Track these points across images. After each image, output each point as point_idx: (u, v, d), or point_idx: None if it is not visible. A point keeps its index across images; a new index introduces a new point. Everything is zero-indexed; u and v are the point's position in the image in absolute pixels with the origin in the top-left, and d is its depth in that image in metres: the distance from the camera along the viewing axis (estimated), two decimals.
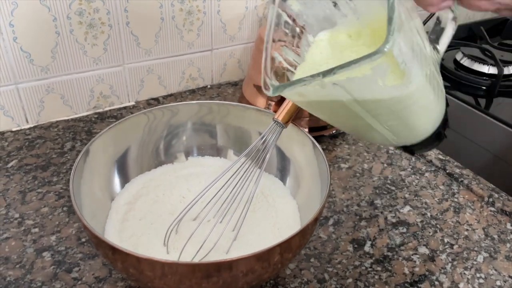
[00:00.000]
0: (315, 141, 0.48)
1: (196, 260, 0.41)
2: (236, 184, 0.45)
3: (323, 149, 0.66)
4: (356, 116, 0.35)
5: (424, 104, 0.35)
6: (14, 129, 0.67)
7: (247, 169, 0.46)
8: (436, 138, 0.41)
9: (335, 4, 0.38)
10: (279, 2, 0.38)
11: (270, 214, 0.48)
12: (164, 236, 0.43)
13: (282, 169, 0.53)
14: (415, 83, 0.32)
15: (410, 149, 0.42)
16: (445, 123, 0.41)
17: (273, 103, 0.66)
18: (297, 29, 0.39)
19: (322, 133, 0.67)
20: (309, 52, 0.39)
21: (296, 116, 0.64)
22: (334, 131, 0.68)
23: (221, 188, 0.45)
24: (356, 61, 0.28)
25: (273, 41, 0.39)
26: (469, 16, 1.15)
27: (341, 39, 0.39)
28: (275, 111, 0.47)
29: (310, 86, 0.31)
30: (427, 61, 0.34)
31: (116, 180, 0.50)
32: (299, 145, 0.51)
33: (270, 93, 0.35)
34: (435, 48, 0.37)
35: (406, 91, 0.32)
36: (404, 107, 0.34)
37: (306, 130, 0.66)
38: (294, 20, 0.39)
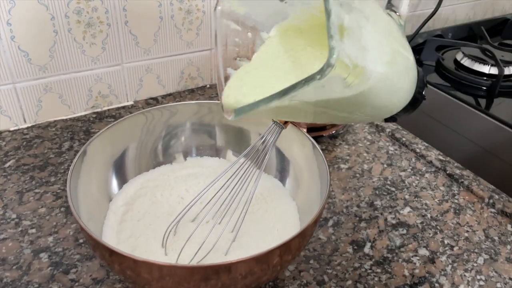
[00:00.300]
0: (314, 142, 0.47)
1: (195, 262, 0.41)
2: (235, 185, 0.44)
3: (322, 149, 0.66)
4: (325, 113, 0.34)
5: (391, 87, 0.34)
6: (11, 129, 0.66)
7: (246, 169, 0.45)
8: (414, 103, 0.40)
9: None
10: (221, 13, 0.36)
11: (269, 216, 0.48)
12: (163, 237, 0.43)
13: (282, 170, 0.53)
14: (375, 76, 0.31)
15: (391, 119, 0.42)
16: (421, 86, 0.40)
17: None
18: (249, 34, 0.38)
19: (321, 133, 0.67)
20: (260, 51, 0.38)
21: None
22: (333, 131, 0.68)
23: (220, 189, 0.44)
24: (301, 83, 0.27)
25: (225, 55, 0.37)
26: (469, 16, 1.15)
27: (291, 34, 0.37)
28: None
29: (270, 105, 0.30)
30: (384, 42, 0.33)
31: (114, 181, 0.49)
32: (299, 146, 0.50)
33: (232, 118, 0.33)
34: (395, 11, 0.36)
35: (367, 85, 0.31)
36: (370, 97, 0.33)
37: (305, 130, 0.66)
38: (243, 24, 0.37)
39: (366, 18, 0.31)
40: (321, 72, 0.26)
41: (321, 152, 0.46)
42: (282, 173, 0.53)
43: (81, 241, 0.49)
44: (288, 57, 0.35)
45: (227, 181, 0.44)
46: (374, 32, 0.32)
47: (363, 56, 0.30)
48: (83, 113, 0.71)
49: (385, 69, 0.33)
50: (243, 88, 0.36)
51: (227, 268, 0.34)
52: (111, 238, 0.44)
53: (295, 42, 0.36)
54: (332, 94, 0.30)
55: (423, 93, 0.40)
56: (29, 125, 0.67)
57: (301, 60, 0.35)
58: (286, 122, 0.45)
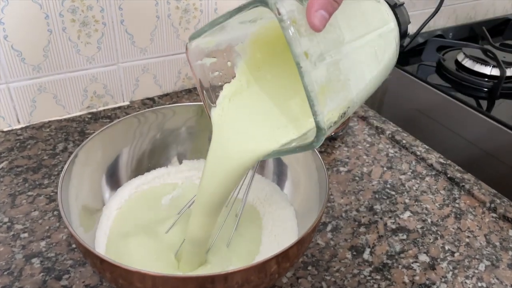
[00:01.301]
0: None
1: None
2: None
3: (321, 151, 0.65)
4: None
5: (380, 78, 0.36)
6: (5, 129, 0.65)
7: None
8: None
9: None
10: (192, 57, 0.36)
11: (267, 221, 0.47)
12: (158, 240, 0.43)
13: (279, 174, 0.52)
14: (362, 96, 0.33)
15: None
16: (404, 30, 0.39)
17: None
18: (228, 63, 0.37)
19: None
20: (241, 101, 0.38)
21: None
22: (332, 133, 0.67)
23: None
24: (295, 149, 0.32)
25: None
26: (470, 16, 1.14)
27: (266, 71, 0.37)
28: None
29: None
30: (364, 51, 0.33)
31: (108, 185, 0.48)
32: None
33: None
34: None
35: (357, 105, 0.34)
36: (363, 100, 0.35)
37: None
38: (217, 52, 0.37)
39: (340, 43, 0.30)
40: (317, 141, 0.30)
41: (320, 156, 0.45)
42: (280, 177, 0.52)
43: (74, 246, 0.48)
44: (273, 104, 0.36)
45: None
46: (352, 53, 0.31)
47: (346, 94, 0.31)
48: (78, 114, 0.70)
49: (372, 81, 0.33)
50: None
51: (223, 277, 0.33)
52: (104, 243, 0.43)
53: (275, 86, 0.36)
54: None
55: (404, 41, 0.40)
56: (23, 125, 0.66)
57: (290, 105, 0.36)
58: None
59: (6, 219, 0.50)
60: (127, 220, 0.46)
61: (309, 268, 0.47)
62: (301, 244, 0.37)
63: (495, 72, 0.85)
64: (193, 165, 0.53)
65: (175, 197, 0.49)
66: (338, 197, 0.57)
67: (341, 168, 0.63)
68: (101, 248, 0.42)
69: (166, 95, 0.77)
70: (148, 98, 0.75)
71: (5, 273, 0.44)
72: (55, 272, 0.45)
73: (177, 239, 0.43)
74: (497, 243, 0.52)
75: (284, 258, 0.36)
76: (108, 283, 0.44)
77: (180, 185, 0.51)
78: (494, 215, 0.56)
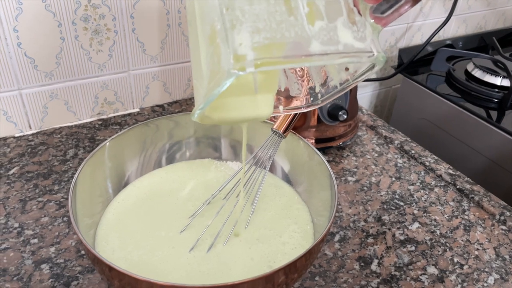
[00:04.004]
0: (321, 155, 0.46)
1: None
2: (244, 185, 0.47)
3: (329, 160, 0.65)
4: None
5: None
6: (16, 135, 0.66)
7: (248, 179, 0.47)
8: None
9: None
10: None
11: (283, 218, 0.48)
12: (166, 247, 0.43)
13: (288, 181, 0.52)
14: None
15: None
16: None
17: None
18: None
19: (329, 144, 0.66)
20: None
21: (303, 127, 0.64)
22: (341, 143, 0.67)
23: (230, 191, 0.48)
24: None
25: None
26: (480, 25, 1.13)
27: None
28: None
29: None
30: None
31: (117, 192, 0.49)
32: (306, 159, 0.49)
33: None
34: None
35: None
36: None
37: (313, 141, 0.65)
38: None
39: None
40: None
41: (329, 167, 0.45)
42: (289, 183, 0.52)
43: (83, 252, 0.48)
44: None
45: (236, 183, 0.48)
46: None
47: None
48: (88, 120, 0.71)
49: None
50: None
51: None
52: (114, 247, 0.43)
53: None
54: None
55: None
56: (34, 131, 0.67)
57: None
58: (285, 131, 0.46)
59: (16, 225, 0.51)
60: (136, 225, 0.46)
61: (317, 278, 0.47)
62: (309, 255, 0.37)
63: (505, 82, 0.85)
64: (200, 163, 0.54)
65: (185, 200, 0.49)
66: (346, 207, 0.57)
67: (349, 178, 0.62)
68: (111, 254, 0.43)
69: (176, 102, 0.78)
70: (157, 105, 0.76)
71: (15, 278, 0.45)
72: (64, 278, 0.45)
73: (190, 239, 0.44)
74: (507, 256, 0.52)
75: (292, 269, 0.36)
76: None
77: (189, 187, 0.51)
78: (504, 227, 0.56)
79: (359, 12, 0.31)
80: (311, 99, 0.41)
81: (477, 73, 0.89)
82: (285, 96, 0.43)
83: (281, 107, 0.43)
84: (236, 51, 0.27)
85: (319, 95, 0.40)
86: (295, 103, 0.43)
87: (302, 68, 0.43)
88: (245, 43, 0.27)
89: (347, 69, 0.36)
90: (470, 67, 0.91)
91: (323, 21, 0.29)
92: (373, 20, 0.32)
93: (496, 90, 0.85)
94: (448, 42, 1.06)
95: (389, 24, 0.33)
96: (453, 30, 1.09)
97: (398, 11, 0.32)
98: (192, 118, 0.34)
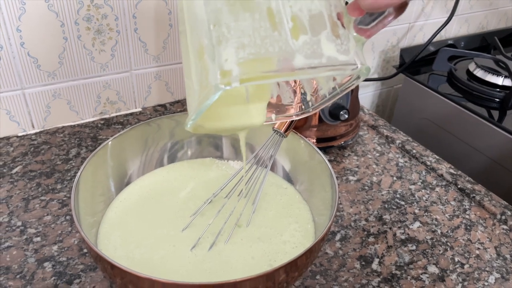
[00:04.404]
0: (323, 155, 0.47)
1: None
2: (246, 184, 0.47)
3: (331, 160, 0.65)
4: None
5: None
6: (20, 134, 0.66)
7: (249, 178, 0.48)
8: None
9: None
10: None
11: (284, 216, 0.48)
12: (168, 245, 0.44)
13: (289, 180, 0.52)
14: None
15: None
16: None
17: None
18: None
19: (330, 143, 0.66)
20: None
21: (304, 126, 0.64)
22: (342, 142, 0.67)
23: (232, 190, 0.48)
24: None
25: None
26: (482, 25, 1.13)
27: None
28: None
29: None
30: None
31: (119, 191, 0.49)
32: (306, 158, 0.50)
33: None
34: None
35: None
36: None
37: (314, 141, 0.65)
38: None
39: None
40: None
41: (330, 166, 0.45)
42: (290, 183, 0.52)
43: (85, 250, 0.48)
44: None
45: (238, 182, 0.48)
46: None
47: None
48: (91, 120, 0.71)
49: None
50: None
51: (233, 285, 0.34)
52: (116, 246, 0.43)
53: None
54: None
55: None
56: (37, 130, 0.67)
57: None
58: (286, 131, 0.47)
59: (19, 223, 0.51)
60: (138, 224, 0.46)
61: (318, 277, 0.47)
62: (309, 253, 0.37)
63: (507, 82, 0.85)
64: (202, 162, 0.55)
65: (186, 199, 0.50)
66: (347, 206, 0.57)
67: (351, 177, 0.63)
68: (113, 252, 0.43)
69: (178, 102, 0.78)
70: (159, 105, 0.76)
71: (18, 276, 0.45)
72: (66, 276, 0.45)
73: (192, 237, 0.44)
74: (508, 256, 0.52)
75: (292, 267, 0.36)
76: None
77: (190, 186, 0.52)
78: (505, 227, 0.56)
79: (342, 25, 0.32)
80: (303, 107, 0.42)
81: (479, 73, 0.89)
82: (277, 105, 0.44)
83: (273, 115, 0.43)
84: (222, 66, 0.28)
85: (310, 103, 0.41)
86: (287, 111, 0.44)
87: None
88: (230, 58, 0.28)
89: (335, 78, 0.37)
90: (471, 67, 0.91)
91: (307, 35, 0.30)
92: (356, 34, 0.33)
93: (498, 89, 0.85)
94: (450, 42, 1.06)
95: (373, 35, 0.33)
96: (455, 30, 1.09)
97: (382, 23, 0.33)
98: (185, 129, 0.35)
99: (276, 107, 0.44)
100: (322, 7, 0.31)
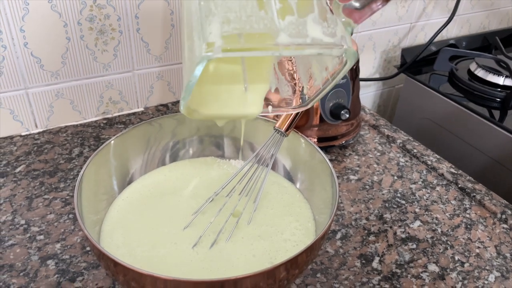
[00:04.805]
0: (323, 154, 0.47)
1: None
2: (246, 183, 0.48)
3: (332, 159, 0.65)
4: None
5: None
6: (23, 134, 0.67)
7: (250, 177, 0.48)
8: None
9: None
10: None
11: (284, 215, 0.49)
12: (170, 243, 0.44)
13: (290, 179, 0.53)
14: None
15: None
16: None
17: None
18: None
19: (331, 143, 0.66)
20: None
21: (305, 126, 0.64)
22: (343, 142, 0.67)
23: (232, 189, 0.48)
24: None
25: None
26: (484, 25, 1.13)
27: None
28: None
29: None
30: None
31: (121, 189, 0.49)
32: (308, 157, 0.50)
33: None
34: None
35: None
36: None
37: (315, 140, 0.65)
38: None
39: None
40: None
41: (331, 165, 0.45)
42: (291, 182, 0.53)
43: (88, 248, 0.49)
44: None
45: (239, 181, 0.48)
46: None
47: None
48: (93, 119, 0.72)
49: None
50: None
51: (233, 282, 0.34)
52: (118, 243, 0.44)
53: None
54: None
55: None
56: (40, 130, 0.68)
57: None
58: (287, 130, 0.47)
59: (23, 221, 0.52)
60: (140, 222, 0.47)
61: (318, 275, 0.47)
62: (310, 251, 0.38)
63: (508, 82, 0.85)
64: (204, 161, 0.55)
65: (188, 197, 0.50)
66: (348, 205, 0.58)
67: (351, 177, 0.63)
68: (115, 250, 0.43)
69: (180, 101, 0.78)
70: (162, 105, 0.77)
71: (21, 274, 0.46)
72: (69, 274, 0.46)
73: (193, 235, 0.45)
74: (508, 255, 0.52)
75: (293, 264, 0.37)
76: (120, 286, 0.45)
77: (192, 185, 0.52)
78: (505, 226, 0.56)
79: (331, 11, 0.33)
80: (300, 100, 0.43)
81: (480, 73, 0.89)
82: (275, 97, 0.44)
83: (270, 107, 0.44)
84: (207, 39, 0.30)
85: (307, 97, 0.42)
86: (285, 104, 0.44)
87: (292, 71, 0.44)
88: (214, 32, 0.30)
89: (327, 68, 0.38)
90: (473, 66, 0.91)
91: (293, 16, 0.31)
92: (344, 19, 0.33)
93: (499, 89, 0.86)
94: (452, 42, 1.06)
95: (363, 20, 0.34)
96: (457, 30, 1.09)
97: (369, 7, 0.34)
98: (180, 111, 0.37)
99: (274, 101, 0.44)
100: None
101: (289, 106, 0.44)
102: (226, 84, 0.39)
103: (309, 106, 0.42)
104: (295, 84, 0.44)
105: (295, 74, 0.44)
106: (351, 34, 0.34)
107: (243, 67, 0.40)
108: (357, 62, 0.70)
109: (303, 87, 0.42)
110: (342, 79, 0.61)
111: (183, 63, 0.37)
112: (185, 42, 0.34)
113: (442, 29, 0.93)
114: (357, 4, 0.34)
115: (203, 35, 0.30)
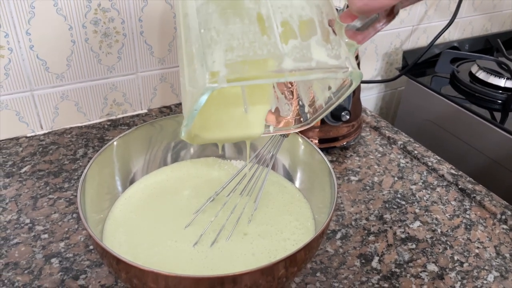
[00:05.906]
0: (323, 155, 0.48)
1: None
2: (247, 183, 0.48)
3: (333, 160, 0.66)
4: None
5: None
6: (28, 135, 0.68)
7: (251, 177, 0.49)
8: None
9: None
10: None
11: (284, 214, 0.49)
12: (171, 241, 0.45)
13: (291, 179, 0.53)
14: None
15: None
16: None
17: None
18: None
19: (332, 144, 0.67)
20: None
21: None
22: (344, 143, 0.68)
23: (233, 188, 0.49)
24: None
25: None
26: (486, 28, 1.14)
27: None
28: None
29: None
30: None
31: (124, 189, 0.50)
32: (308, 158, 0.51)
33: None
34: None
35: None
36: None
37: (316, 141, 0.66)
38: None
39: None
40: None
41: (330, 166, 0.46)
42: (291, 181, 0.53)
43: (91, 247, 0.50)
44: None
45: (240, 181, 0.49)
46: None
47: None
48: (98, 121, 0.73)
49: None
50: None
51: (232, 279, 0.35)
52: (121, 242, 0.45)
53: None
54: None
55: None
56: (46, 131, 0.69)
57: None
58: None
59: (27, 220, 0.53)
60: (142, 221, 0.47)
61: (318, 274, 0.48)
62: (308, 249, 0.38)
63: (509, 84, 0.85)
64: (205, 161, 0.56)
65: (189, 197, 0.51)
66: (348, 205, 0.58)
67: (352, 178, 0.63)
68: (118, 248, 0.44)
69: None
70: (165, 107, 0.78)
71: (26, 271, 0.46)
72: (72, 272, 0.47)
73: (194, 234, 0.45)
74: (507, 255, 0.52)
75: (291, 262, 0.37)
76: (123, 284, 0.46)
77: (193, 185, 0.53)
78: (505, 226, 0.57)
79: (334, 32, 0.32)
80: (301, 119, 0.43)
81: (481, 75, 0.89)
82: (276, 117, 0.44)
83: (271, 127, 0.44)
84: (210, 68, 0.29)
85: (308, 115, 0.42)
86: (286, 123, 0.44)
87: (291, 89, 0.44)
88: (218, 60, 0.29)
89: (330, 87, 0.38)
90: (474, 69, 0.92)
91: (297, 40, 0.31)
92: (348, 40, 0.33)
93: (500, 91, 0.86)
94: (454, 44, 1.06)
95: (366, 41, 0.34)
96: (459, 32, 1.09)
97: (373, 27, 0.33)
98: (180, 137, 0.36)
99: (275, 120, 0.44)
100: (313, 14, 0.32)
101: (291, 125, 0.44)
102: (227, 107, 0.39)
103: (311, 125, 0.42)
104: (295, 102, 0.44)
105: (294, 92, 0.44)
106: (355, 54, 0.34)
107: (243, 89, 0.40)
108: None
109: (303, 105, 0.43)
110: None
111: (182, 89, 0.36)
112: (184, 68, 0.33)
113: (443, 32, 0.93)
114: (360, 25, 0.33)
115: (206, 64, 0.29)
